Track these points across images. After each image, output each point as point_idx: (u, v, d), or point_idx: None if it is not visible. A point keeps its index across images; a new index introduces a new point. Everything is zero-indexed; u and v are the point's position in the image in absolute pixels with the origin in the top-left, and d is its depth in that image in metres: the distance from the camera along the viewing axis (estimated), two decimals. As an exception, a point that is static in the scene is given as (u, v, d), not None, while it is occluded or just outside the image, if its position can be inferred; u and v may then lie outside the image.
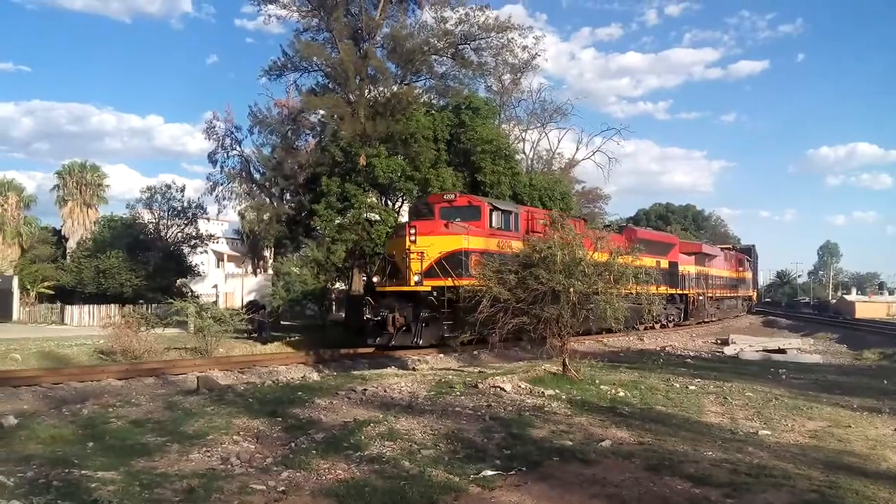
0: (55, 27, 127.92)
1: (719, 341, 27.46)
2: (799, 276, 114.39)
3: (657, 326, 28.30)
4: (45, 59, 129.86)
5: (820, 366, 20.30)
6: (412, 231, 18.79)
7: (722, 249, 45.50)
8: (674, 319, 32.41)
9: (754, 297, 56.64)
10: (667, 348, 23.43)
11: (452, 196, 21.20)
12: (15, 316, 39.14)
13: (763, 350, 23.06)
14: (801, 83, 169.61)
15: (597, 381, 12.32)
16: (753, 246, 60.38)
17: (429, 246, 18.65)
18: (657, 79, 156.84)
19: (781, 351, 23.03)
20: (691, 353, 22.26)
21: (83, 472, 5.71)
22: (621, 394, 11.26)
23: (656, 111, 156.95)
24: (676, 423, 9.20)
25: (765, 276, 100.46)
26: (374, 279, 20.10)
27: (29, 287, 42.75)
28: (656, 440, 7.90)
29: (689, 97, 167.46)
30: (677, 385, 12.59)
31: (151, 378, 12.97)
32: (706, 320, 37.29)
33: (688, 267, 34.38)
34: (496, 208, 20.78)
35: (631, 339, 24.68)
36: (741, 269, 47.59)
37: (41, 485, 5.33)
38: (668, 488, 5.94)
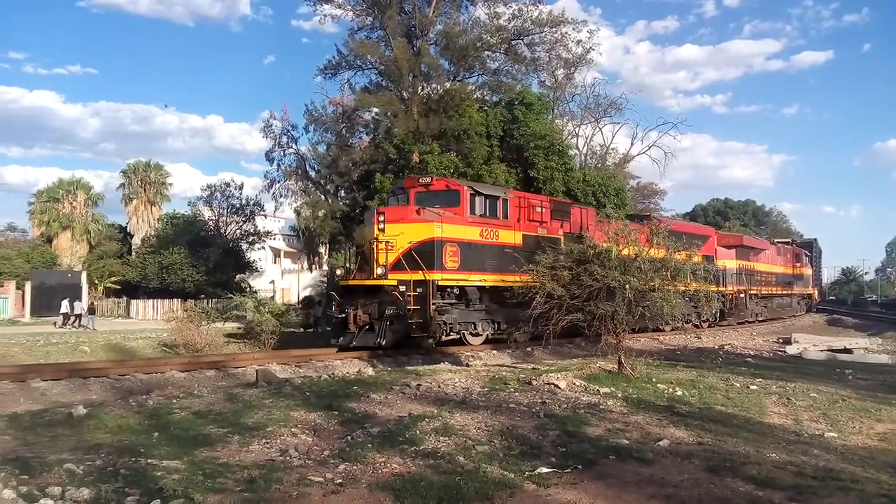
0: (121, 31, 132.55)
1: (781, 340, 26.63)
2: (866, 273, 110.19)
3: (688, 327, 26.29)
4: (111, 61, 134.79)
5: (889, 366, 19.48)
6: (381, 218, 16.74)
7: (774, 243, 42.65)
8: (707, 319, 28.71)
9: (815, 295, 53.19)
10: (726, 347, 22.84)
11: (429, 179, 19.04)
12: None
13: (828, 350, 22.26)
14: (866, 74, 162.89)
15: (653, 380, 12.11)
16: (815, 240, 56.83)
17: (398, 235, 16.66)
18: (715, 71, 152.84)
19: (847, 351, 22.18)
20: (751, 352, 21.66)
21: (149, 460, 5.90)
22: (679, 392, 11.05)
23: (714, 104, 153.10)
24: (737, 423, 8.98)
25: (829, 274, 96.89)
26: (338, 272, 18.62)
27: (97, 282, 44.53)
28: (716, 440, 7.72)
29: (748, 90, 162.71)
30: (737, 384, 12.27)
31: (212, 371, 13.31)
32: (749, 320, 34.03)
33: (726, 261, 31.57)
34: (478, 193, 18.52)
35: (688, 337, 24.12)
36: (798, 264, 44.27)
37: (109, 473, 5.52)
38: (729, 490, 5.79)
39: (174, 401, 8.98)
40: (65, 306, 30.85)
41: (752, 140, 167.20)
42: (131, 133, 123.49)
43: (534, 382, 10.90)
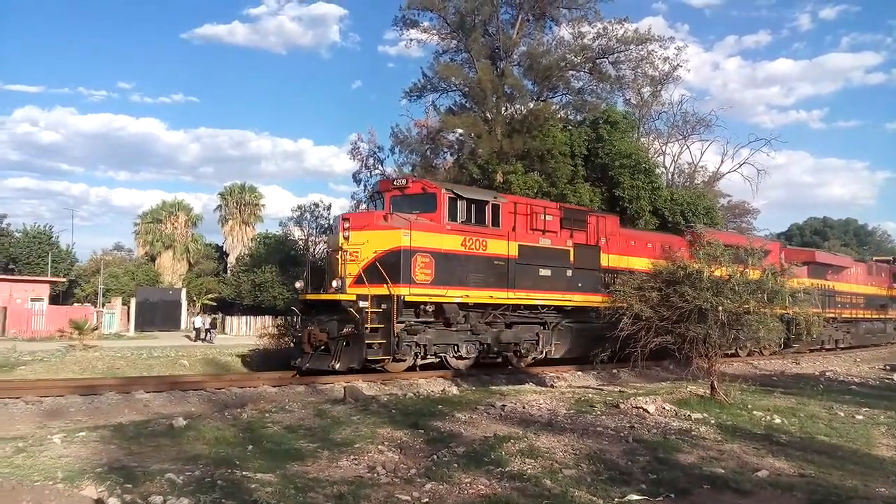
0: (220, 61, 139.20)
1: (889, 367, 25.02)
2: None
3: (742, 354, 23.18)
4: (211, 89, 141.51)
5: None
6: (345, 224, 15.01)
7: (863, 261, 38.63)
8: (767, 346, 25.97)
9: None
10: (827, 373, 21.65)
11: (404, 181, 16.87)
12: (183, 325, 42.74)
13: (943, 378, 20.70)
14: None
15: (748, 406, 11.61)
16: None
17: (363, 243, 14.92)
18: (811, 86, 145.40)
19: (965, 380, 20.58)
20: (856, 380, 20.42)
21: (244, 473, 6.11)
22: (777, 421, 10.54)
23: (810, 120, 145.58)
24: (842, 455, 8.48)
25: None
26: (297, 285, 16.84)
27: (195, 298, 46.66)
28: (820, 472, 7.32)
29: (847, 104, 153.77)
30: (841, 414, 11.60)
31: (302, 387, 13.64)
32: (825, 347, 30.45)
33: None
34: (460, 197, 16.13)
35: (785, 362, 23.04)
36: None
37: (207, 483, 5.73)
38: (834, 526, 5.48)
39: (266, 415, 9.27)
40: (198, 321, 33.68)
41: (852, 156, 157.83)
42: (228, 157, 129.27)
43: (621, 406, 10.65)
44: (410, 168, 34.95)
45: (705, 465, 7.37)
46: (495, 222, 16.60)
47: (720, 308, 11.52)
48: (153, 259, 55.40)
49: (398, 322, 14.60)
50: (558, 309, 17.89)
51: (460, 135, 33.44)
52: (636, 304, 12.47)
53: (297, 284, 16.87)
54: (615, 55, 32.91)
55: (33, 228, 53.30)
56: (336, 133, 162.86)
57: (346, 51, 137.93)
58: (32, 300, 39.22)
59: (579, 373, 17.77)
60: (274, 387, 13.39)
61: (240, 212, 57.67)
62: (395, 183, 16.94)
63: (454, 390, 13.50)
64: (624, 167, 30.02)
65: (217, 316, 42.90)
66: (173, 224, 56.83)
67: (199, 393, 12.59)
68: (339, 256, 14.98)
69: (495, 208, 16.70)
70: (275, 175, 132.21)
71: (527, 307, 17.27)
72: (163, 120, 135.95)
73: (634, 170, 30.16)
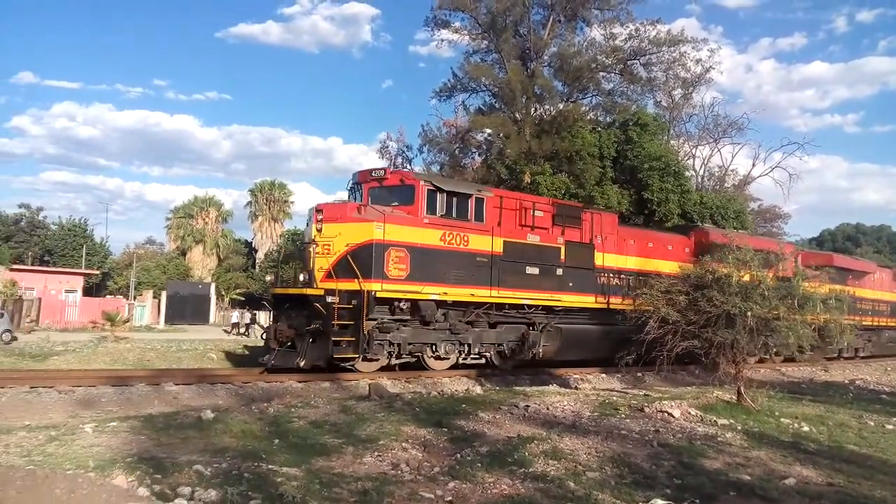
0: (254, 59, 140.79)
1: (922, 377, 24.49)
2: None
3: (752, 361, 22.72)
4: (244, 87, 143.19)
5: None
6: (318, 216, 14.60)
7: (883, 267, 37.54)
8: (780, 353, 22.51)
9: None
10: (857, 382, 21.27)
11: (382, 172, 16.18)
12: (211, 319, 43.31)
13: (979, 390, 20.19)
14: None
15: (776, 413, 11.45)
16: None
17: (336, 236, 14.35)
18: (847, 90, 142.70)
19: None
20: (886, 389, 20.03)
21: (270, 466, 6.20)
22: (805, 428, 10.39)
23: (845, 124, 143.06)
24: (872, 465, 8.33)
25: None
26: (268, 278, 16.29)
27: (224, 293, 47.19)
28: (849, 482, 7.20)
29: (884, 108, 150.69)
30: (872, 423, 11.39)
31: (327, 383, 13.74)
32: (843, 356, 28.44)
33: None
34: (439, 189, 15.36)
35: (814, 369, 22.67)
36: None
37: (234, 476, 5.83)
38: (862, 536, 5.40)
39: (292, 410, 9.39)
40: (235, 316, 34.99)
41: (887, 161, 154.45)
42: (259, 154, 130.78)
43: (646, 409, 10.58)
44: (439, 167, 35.06)
45: (731, 471, 7.30)
46: (478, 217, 15.87)
47: (749, 313, 11.38)
48: (184, 253, 56.21)
49: (369, 319, 14.00)
50: (547, 309, 17.20)
51: (489, 135, 33.50)
52: (663, 308, 12.36)
53: (268, 278, 16.49)
54: (647, 57, 32.69)
55: (69, 221, 54.44)
56: (366, 132, 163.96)
57: (378, 50, 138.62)
58: (66, 292, 40.12)
59: (603, 375, 17.67)
60: (299, 382, 13.50)
61: (269, 208, 58.28)
62: (373, 174, 16.25)
63: (478, 390, 13.53)
64: (653, 169, 29.79)
65: (246, 310, 43.55)
66: (204, 219, 57.60)
67: (227, 386, 12.77)
68: (309, 250, 14.56)
69: (479, 202, 15.95)
70: (304, 172, 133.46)
71: (512, 307, 16.58)
72: (197, 117, 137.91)
73: (664, 172, 29.93)
